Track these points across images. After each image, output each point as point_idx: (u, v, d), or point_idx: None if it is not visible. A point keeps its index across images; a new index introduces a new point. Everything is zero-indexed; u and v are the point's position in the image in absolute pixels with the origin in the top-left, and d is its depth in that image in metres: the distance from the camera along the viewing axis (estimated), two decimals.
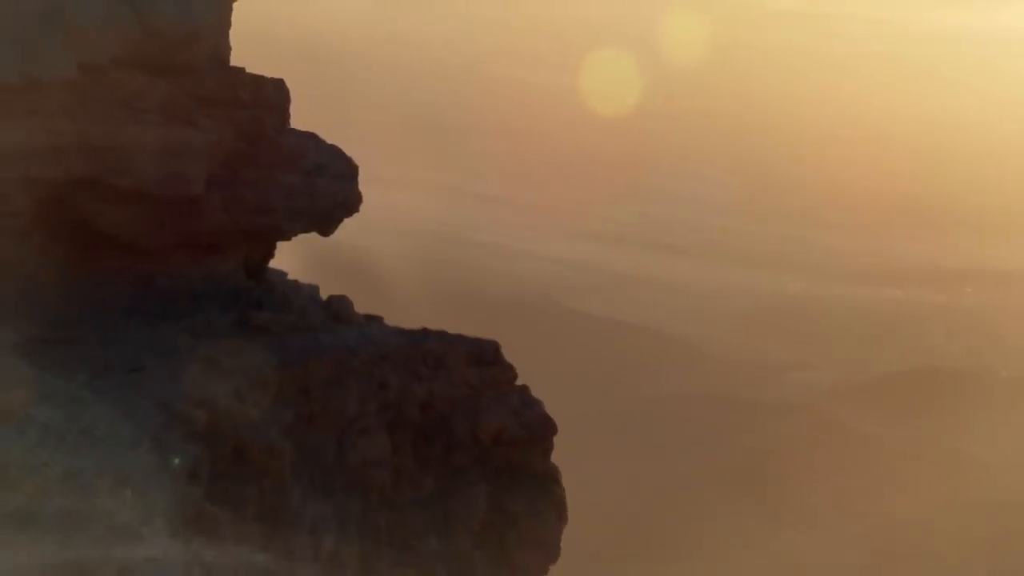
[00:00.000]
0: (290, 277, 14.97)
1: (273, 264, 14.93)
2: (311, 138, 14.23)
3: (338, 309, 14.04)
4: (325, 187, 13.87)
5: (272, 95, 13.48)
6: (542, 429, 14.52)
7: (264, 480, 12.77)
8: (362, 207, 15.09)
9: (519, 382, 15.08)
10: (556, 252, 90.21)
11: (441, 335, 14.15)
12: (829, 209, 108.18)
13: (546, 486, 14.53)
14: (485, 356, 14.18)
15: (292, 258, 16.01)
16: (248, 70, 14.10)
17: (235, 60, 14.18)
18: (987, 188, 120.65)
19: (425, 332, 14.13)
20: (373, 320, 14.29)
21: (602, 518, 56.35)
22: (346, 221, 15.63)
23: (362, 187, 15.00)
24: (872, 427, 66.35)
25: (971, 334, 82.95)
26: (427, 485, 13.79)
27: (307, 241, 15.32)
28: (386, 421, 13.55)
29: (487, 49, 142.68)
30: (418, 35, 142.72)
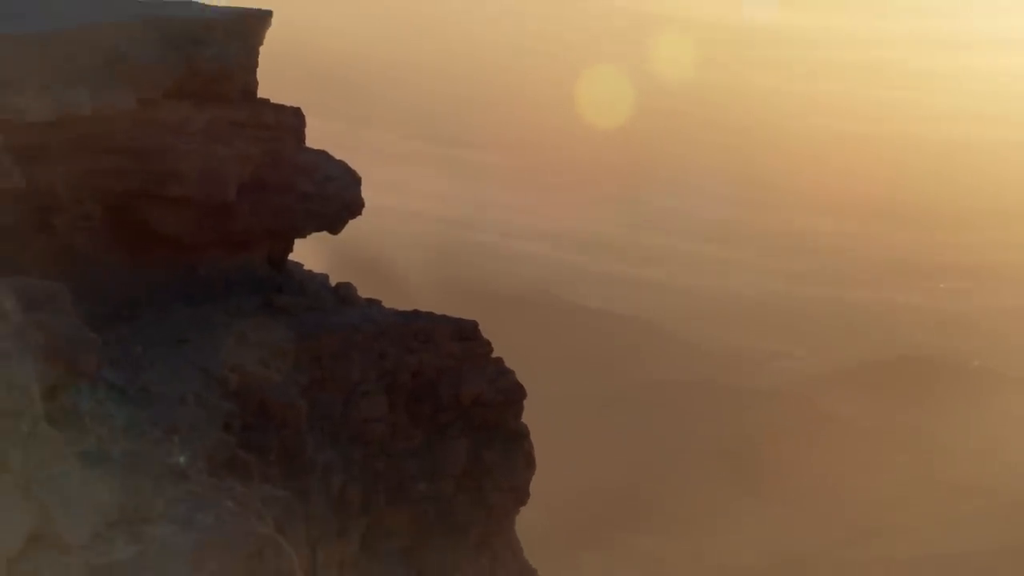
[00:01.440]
0: (306, 268, 16.28)
1: (294, 258, 16.29)
2: (322, 154, 15.69)
3: (344, 293, 15.64)
4: (334, 194, 15.28)
5: (291, 120, 14.99)
6: (514, 394, 15.79)
7: (284, 431, 14.11)
8: (377, 209, 16.73)
9: (523, 371, 16.53)
10: (554, 250, 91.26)
11: (429, 315, 15.62)
12: (809, 211, 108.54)
13: (517, 441, 15.87)
14: (466, 333, 15.54)
15: (317, 255, 17.59)
16: (272, 84, 15.71)
17: (262, 80, 15.52)
18: (959, 191, 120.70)
19: (416, 313, 15.59)
20: (373, 303, 15.75)
21: (595, 492, 57.20)
22: (363, 222, 17.21)
23: (377, 192, 16.61)
24: (849, 412, 66.83)
25: (944, 327, 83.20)
26: (417, 438, 15.21)
27: (334, 241, 16.54)
28: (384, 385, 14.92)
29: (489, 68, 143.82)
30: (424, 57, 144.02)
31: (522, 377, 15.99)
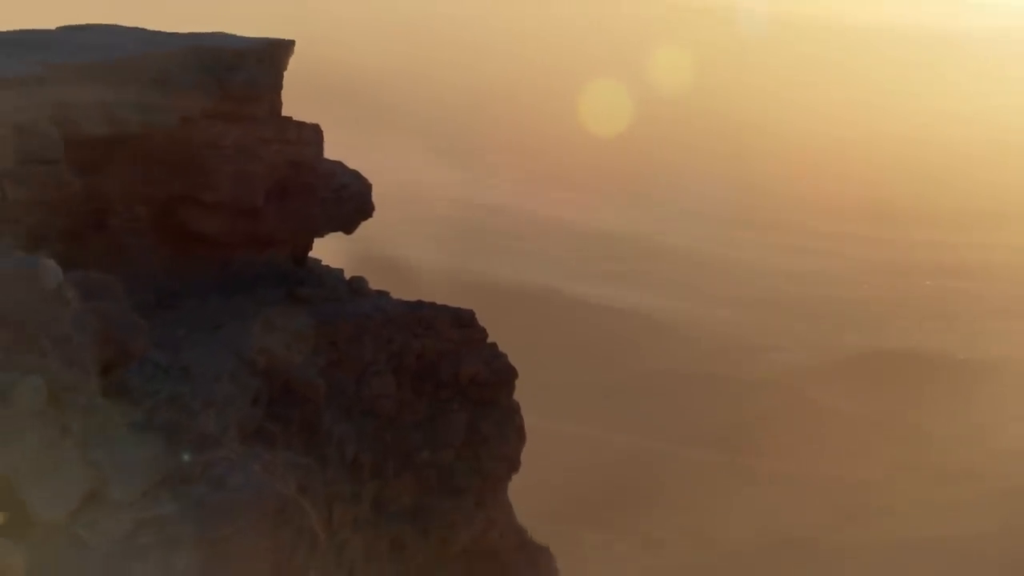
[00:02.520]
0: (324, 264, 16.83)
1: (313, 255, 16.91)
2: (338, 164, 16.45)
3: (357, 286, 16.24)
4: (348, 199, 16.01)
5: (311, 135, 15.69)
6: (506, 374, 16.46)
7: (304, 406, 14.57)
8: (392, 210, 17.58)
9: (529, 362, 17.13)
10: (558, 249, 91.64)
11: (432, 305, 16.23)
12: (801, 213, 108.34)
13: (509, 416, 16.53)
14: (464, 321, 16.24)
15: (334, 252, 18.09)
16: (298, 95, 16.57)
17: (291, 93, 16.02)
18: (944, 192, 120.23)
19: (420, 303, 16.25)
20: (382, 294, 16.36)
21: (597, 474, 57.24)
22: (379, 222, 18.12)
23: (392, 194, 17.45)
24: (837, 402, 66.57)
25: (929, 321, 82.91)
26: (421, 412, 15.80)
27: (349, 240, 17.06)
28: (391, 366, 15.52)
29: (497, 80, 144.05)
30: (436, 70, 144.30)
31: (528, 367, 16.58)
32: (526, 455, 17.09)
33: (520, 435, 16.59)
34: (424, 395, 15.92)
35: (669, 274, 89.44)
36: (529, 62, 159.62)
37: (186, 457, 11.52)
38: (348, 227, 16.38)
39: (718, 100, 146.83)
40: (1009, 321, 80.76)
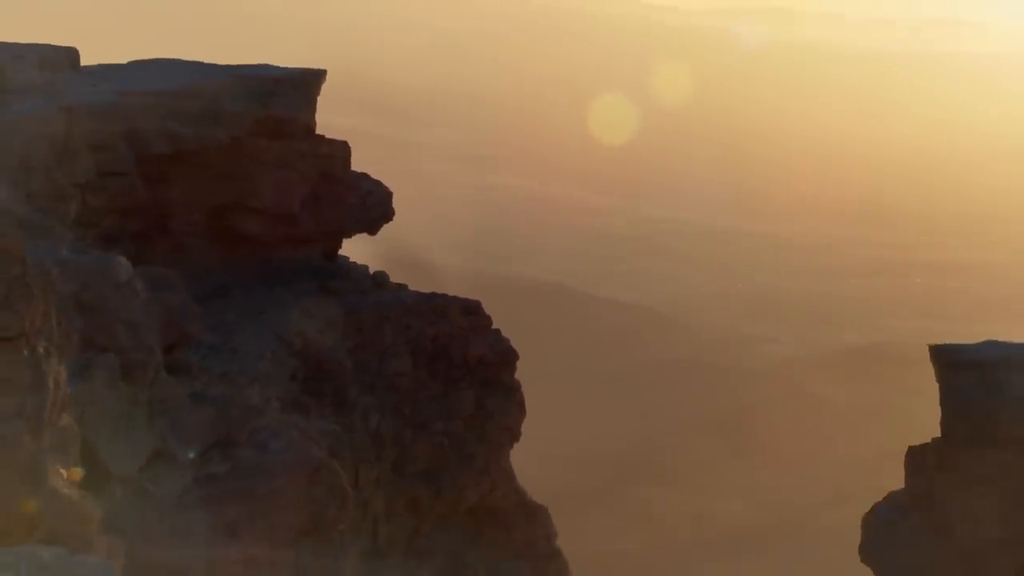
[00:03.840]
0: (351, 260, 17.45)
1: (341, 253, 17.61)
2: (363, 175, 17.18)
3: (380, 279, 16.97)
4: (372, 204, 16.82)
5: (340, 150, 16.53)
6: (509, 356, 17.20)
7: (334, 382, 15.33)
8: (416, 214, 18.43)
9: (540, 350, 17.76)
10: (568, 248, 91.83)
11: (444, 296, 16.97)
12: (795, 214, 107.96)
13: (511, 393, 17.20)
14: (471, 309, 16.96)
15: (359, 250, 18.16)
16: (334, 110, 17.46)
17: (328, 108, 16.94)
18: (934, 196, 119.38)
19: (434, 294, 17.00)
20: (401, 287, 17.07)
21: (602, 456, 57.33)
22: (406, 223, 18.97)
23: (416, 197, 18.23)
24: (830, 391, 66.04)
25: (918, 316, 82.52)
26: (435, 388, 16.51)
27: (373, 240, 17.64)
28: (409, 349, 16.26)
29: (513, 94, 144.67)
30: (458, 86, 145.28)
31: (539, 357, 17.06)
32: (537, 437, 17.65)
33: (520, 409, 17.19)
34: (437, 374, 16.59)
35: (671, 271, 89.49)
36: (542, 78, 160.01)
37: (235, 424, 12.04)
38: (372, 229, 17.16)
39: (717, 111, 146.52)
40: (995, 316, 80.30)
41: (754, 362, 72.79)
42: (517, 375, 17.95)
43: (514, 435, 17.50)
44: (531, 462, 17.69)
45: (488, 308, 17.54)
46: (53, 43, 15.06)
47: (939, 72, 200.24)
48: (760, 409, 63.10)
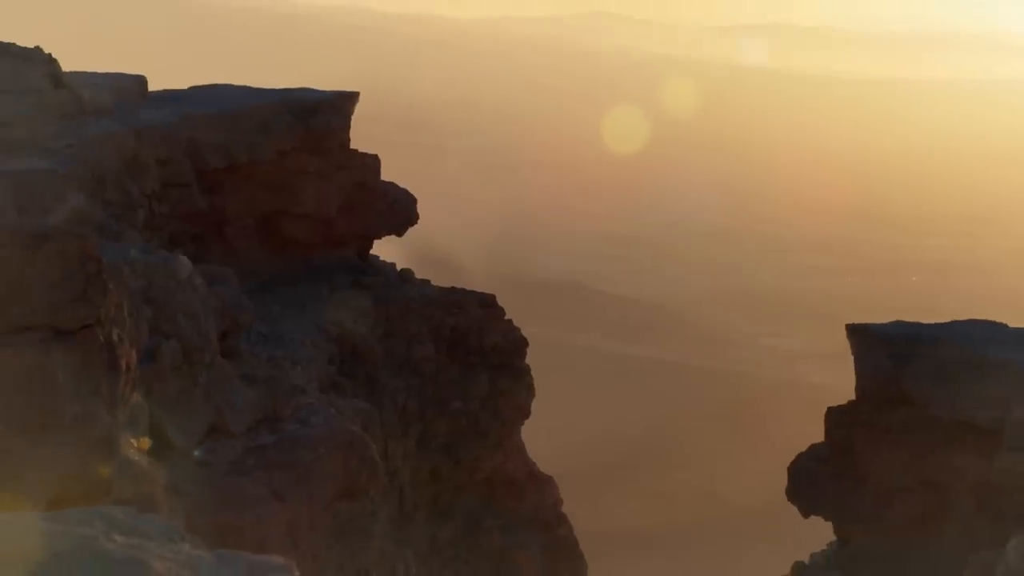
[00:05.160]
0: (381, 259, 18.11)
1: (373, 252, 18.27)
2: (391, 184, 17.77)
3: (406, 276, 17.61)
4: (399, 210, 17.44)
5: (371, 162, 17.16)
6: (520, 343, 17.78)
7: (366, 365, 15.92)
8: (441, 217, 18.97)
9: (556, 345, 18.16)
10: (583, 249, 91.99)
11: (463, 290, 17.58)
12: (794, 217, 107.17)
13: (522, 376, 17.75)
14: (487, 302, 17.55)
15: (389, 250, 18.84)
16: (368, 122, 18.11)
17: (364, 120, 17.54)
18: (925, 197, 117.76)
19: (453, 288, 17.62)
20: (425, 282, 17.66)
21: (614, 438, 57.14)
22: (432, 225, 19.53)
23: (443, 202, 18.76)
24: (827, 382, 65.84)
25: (914, 313, 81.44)
26: (454, 372, 17.09)
27: (400, 241, 18.26)
28: (431, 337, 16.85)
29: (533, 107, 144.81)
30: (482, 100, 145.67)
31: (556, 348, 17.43)
32: (554, 422, 17.98)
33: (530, 390, 17.66)
34: (456, 359, 17.17)
35: (679, 271, 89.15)
36: (558, 91, 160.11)
37: (280, 401, 12.46)
38: (399, 231, 17.78)
39: (721, 122, 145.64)
40: (986, 312, 78.95)
41: (757, 355, 72.42)
42: (529, 361, 18.42)
43: (524, 413, 17.96)
44: (549, 445, 18.10)
45: (509, 304, 18.00)
46: (126, 72, 15.89)
47: (936, 82, 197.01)
48: (763, 398, 62.70)
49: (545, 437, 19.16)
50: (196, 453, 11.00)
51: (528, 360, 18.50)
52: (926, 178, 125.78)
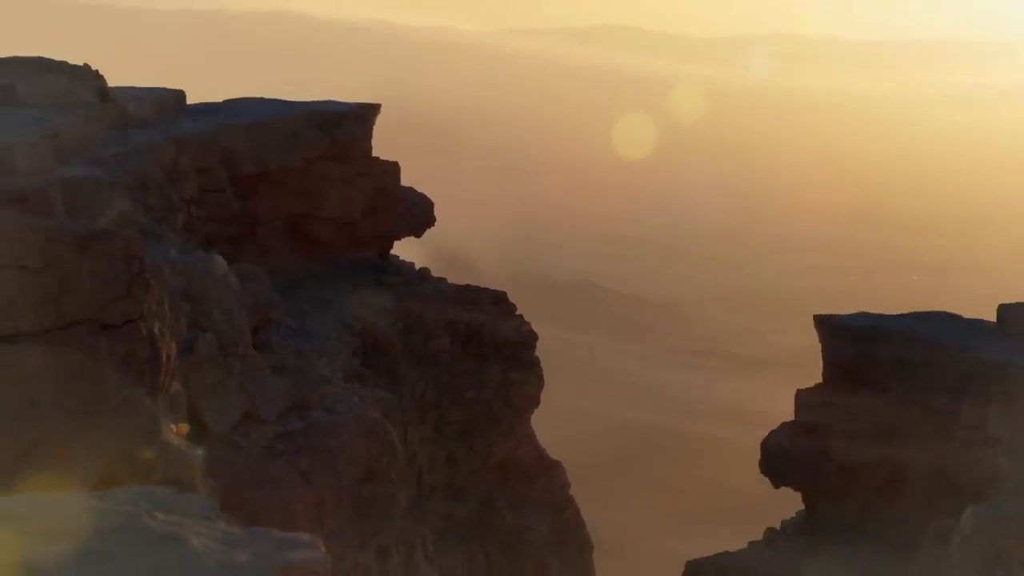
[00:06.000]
0: (401, 258, 18.38)
1: (393, 253, 18.55)
2: (410, 189, 18.06)
3: (424, 274, 17.86)
4: (417, 213, 17.75)
5: (392, 168, 17.41)
6: (530, 337, 17.99)
7: (387, 357, 16.16)
8: (456, 220, 19.10)
9: (569, 340, 18.35)
10: (593, 249, 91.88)
11: (476, 287, 17.88)
12: (798, 218, 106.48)
13: (532, 367, 18.00)
14: (499, 299, 17.81)
15: (408, 250, 19.03)
16: (392, 130, 18.43)
17: (388, 127, 17.90)
18: (926, 199, 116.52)
19: (468, 286, 17.89)
20: (442, 280, 17.95)
21: (624, 430, 57.07)
22: (450, 226, 19.78)
23: (460, 205, 19.03)
24: None
25: (913, 310, 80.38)
26: (469, 363, 17.35)
27: (419, 242, 18.54)
28: (447, 331, 17.08)
29: (546, 115, 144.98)
30: (498, 108, 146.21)
31: (568, 343, 17.61)
32: (565, 414, 18.23)
33: (539, 381, 17.91)
34: (470, 351, 17.44)
35: (685, 270, 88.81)
36: (569, 100, 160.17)
37: (308, 390, 12.78)
38: (418, 232, 18.09)
39: (726, 128, 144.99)
40: (983, 311, 77.99)
41: (761, 350, 72.15)
42: (541, 355, 18.65)
43: (534, 402, 18.23)
44: (560, 437, 18.32)
45: (523, 302, 18.29)
46: (166, 86, 16.35)
47: (936, 89, 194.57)
48: (766, 391, 62.46)
49: (554, 429, 19.34)
50: (230, 438, 11.28)
51: (540, 354, 18.81)
52: (926, 181, 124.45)
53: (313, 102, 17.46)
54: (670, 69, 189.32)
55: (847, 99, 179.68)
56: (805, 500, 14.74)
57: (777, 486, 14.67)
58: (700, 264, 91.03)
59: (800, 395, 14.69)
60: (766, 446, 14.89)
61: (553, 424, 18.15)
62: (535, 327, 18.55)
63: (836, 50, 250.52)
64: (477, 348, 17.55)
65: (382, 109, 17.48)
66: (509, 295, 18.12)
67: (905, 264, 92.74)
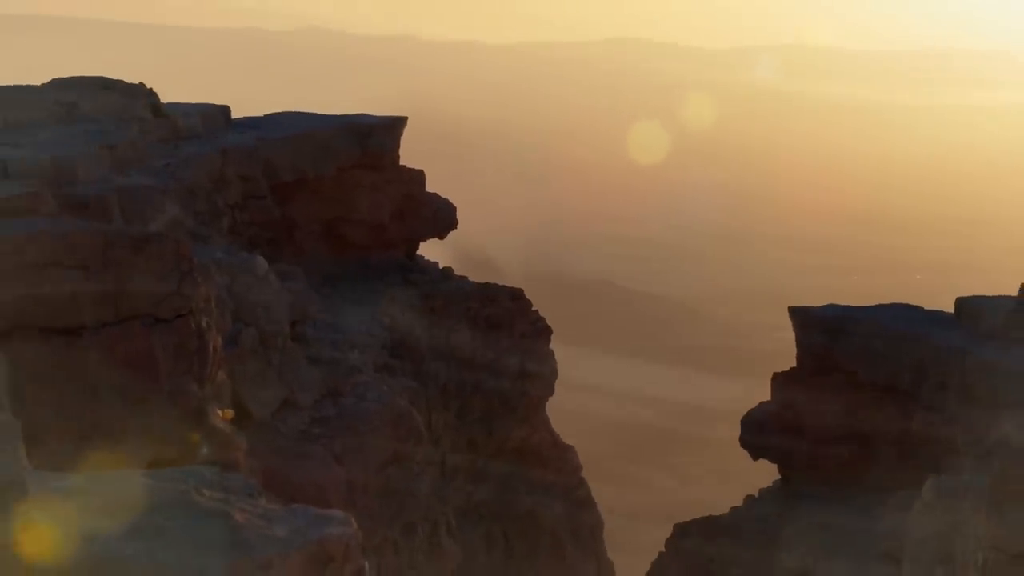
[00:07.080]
0: (426, 258, 18.54)
1: (420, 253, 18.71)
2: (434, 194, 18.24)
3: (447, 273, 17.98)
4: (441, 217, 17.93)
5: (417, 176, 17.69)
6: (545, 331, 18.15)
7: (413, 350, 16.29)
8: (478, 223, 19.42)
9: (586, 336, 18.20)
10: (609, 250, 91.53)
11: (495, 285, 17.96)
12: (803, 220, 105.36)
13: (547, 359, 18.15)
14: (516, 295, 17.92)
15: (433, 251, 19.11)
16: (419, 138, 18.66)
17: (413, 136, 17.97)
18: (926, 200, 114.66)
19: (487, 284, 17.97)
20: (464, 278, 18.09)
21: (640, 421, 56.66)
22: (473, 228, 19.92)
23: (481, 208, 19.20)
24: None
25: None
26: (488, 356, 17.46)
27: (443, 243, 18.62)
28: (469, 325, 17.26)
29: (562, 122, 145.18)
30: (517, 117, 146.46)
31: (586, 340, 17.63)
32: (584, 406, 18.31)
33: (554, 372, 18.04)
34: (489, 344, 17.58)
35: (697, 269, 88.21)
36: (585, 109, 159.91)
37: (339, 380, 13.11)
38: (441, 235, 18.28)
39: (737, 134, 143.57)
40: None
41: (769, 345, 71.27)
42: (556, 349, 18.79)
43: (549, 392, 18.40)
44: (579, 428, 18.37)
45: (542, 301, 18.47)
46: (212, 102, 16.80)
47: (935, 96, 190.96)
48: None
49: (573, 422, 19.42)
50: (270, 423, 11.68)
51: (554, 348, 18.94)
52: (927, 183, 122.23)
53: (346, 116, 17.81)
54: (681, 78, 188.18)
55: (850, 105, 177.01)
56: (781, 471, 15.06)
57: (756, 458, 15.09)
58: (709, 264, 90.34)
59: (776, 378, 15.10)
60: (746, 422, 15.32)
61: (571, 416, 18.15)
62: (552, 323, 18.69)
63: (840, 59, 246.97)
64: (496, 341, 17.69)
65: (409, 120, 17.76)
66: (526, 292, 18.34)
67: (906, 264, 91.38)
